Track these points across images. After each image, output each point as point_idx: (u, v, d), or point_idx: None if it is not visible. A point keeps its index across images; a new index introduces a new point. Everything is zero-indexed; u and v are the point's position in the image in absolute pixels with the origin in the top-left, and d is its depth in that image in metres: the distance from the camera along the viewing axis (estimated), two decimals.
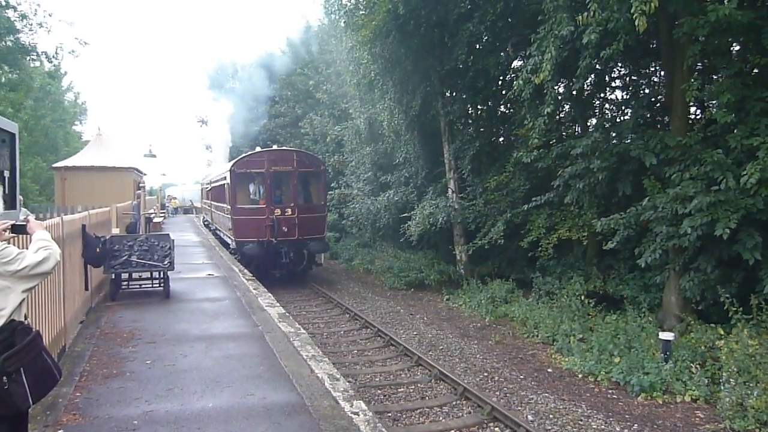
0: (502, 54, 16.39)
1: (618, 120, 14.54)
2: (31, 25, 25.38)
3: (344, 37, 20.63)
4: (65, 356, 6.93)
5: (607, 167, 11.78)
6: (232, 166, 18.80)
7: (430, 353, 11.07)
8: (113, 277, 10.84)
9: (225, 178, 19.72)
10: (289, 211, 17.76)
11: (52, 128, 39.70)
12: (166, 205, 46.80)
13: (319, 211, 19.01)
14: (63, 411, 5.17)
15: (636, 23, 8.61)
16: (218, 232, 24.05)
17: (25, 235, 3.81)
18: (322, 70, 32.70)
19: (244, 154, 20.48)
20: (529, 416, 7.98)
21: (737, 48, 11.11)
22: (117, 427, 4.85)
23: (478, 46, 16.80)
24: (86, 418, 5.03)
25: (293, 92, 36.08)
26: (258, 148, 21.13)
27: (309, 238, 17.86)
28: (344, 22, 18.95)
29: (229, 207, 18.73)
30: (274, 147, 21.52)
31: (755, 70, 10.46)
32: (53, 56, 27.80)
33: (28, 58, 27.31)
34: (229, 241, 19.43)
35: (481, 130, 18.71)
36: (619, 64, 14.73)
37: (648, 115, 13.46)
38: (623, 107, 14.96)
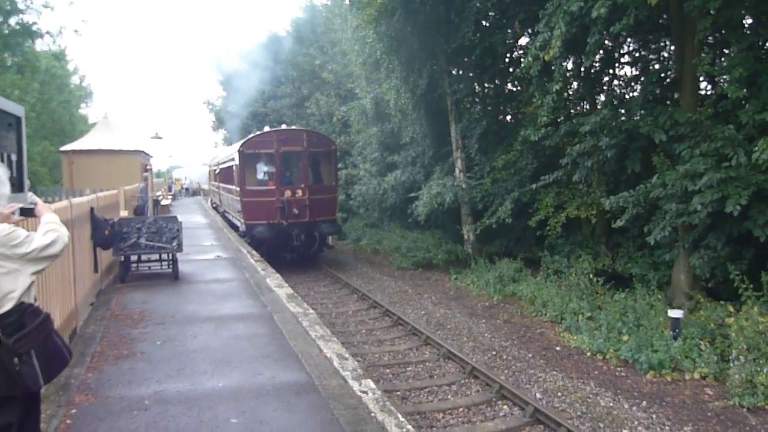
0: (509, 31, 16.18)
1: (627, 97, 14.37)
2: (32, 3, 25.28)
3: (349, 16, 20.41)
4: (76, 338, 7.00)
5: (616, 144, 11.67)
6: (241, 146, 18.42)
7: (438, 332, 11.12)
8: (122, 259, 10.90)
9: (233, 159, 19.35)
10: (300, 192, 17.43)
11: (58, 111, 39.73)
12: (173, 187, 46.77)
13: (330, 192, 18.65)
14: (76, 391, 5.23)
15: None
16: (227, 214, 23.79)
17: (33, 218, 3.80)
18: (327, 49, 32.47)
19: (252, 134, 19.85)
20: (537, 394, 8.02)
21: (749, 21, 10.90)
22: (129, 406, 4.90)
23: (484, 23, 16.59)
24: (98, 398, 5.09)
25: (299, 72, 35.90)
26: (267, 128, 20.60)
27: (320, 220, 17.56)
28: (348, 0, 18.75)
29: (238, 189, 18.39)
30: (284, 126, 21.18)
31: None
32: (57, 35, 27.75)
33: (31, 40, 27.22)
34: (239, 224, 19.13)
35: (488, 108, 18.55)
36: (629, 40, 14.51)
37: (657, 92, 13.29)
38: (632, 83, 14.78)
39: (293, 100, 36.29)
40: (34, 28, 26.24)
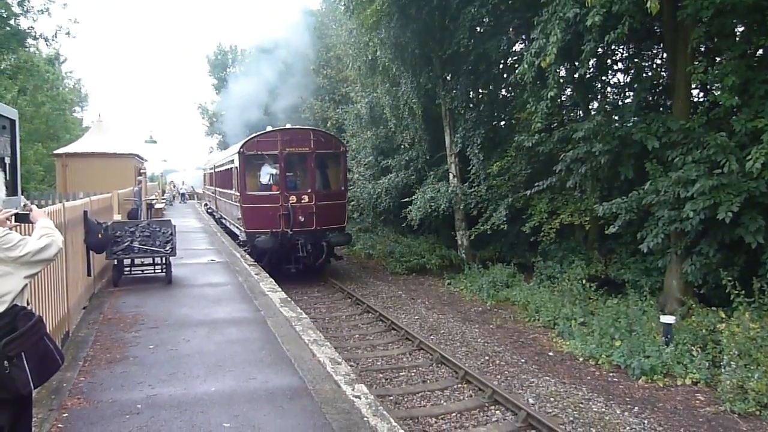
0: (503, 37, 16.27)
1: (620, 103, 14.45)
2: (26, 10, 25.12)
3: (344, 20, 20.43)
4: (69, 342, 6.97)
5: (609, 151, 11.72)
6: (241, 147, 16.75)
7: (432, 337, 11.12)
8: (116, 263, 10.87)
9: (233, 161, 17.99)
10: (306, 198, 15.94)
11: (52, 115, 39.42)
12: (167, 191, 46.38)
13: (339, 198, 17.08)
14: (68, 395, 5.21)
15: (648, 5, 8.54)
16: (224, 221, 22.43)
17: (28, 224, 3.81)
18: (322, 54, 32.53)
19: (254, 134, 18.07)
20: (530, 399, 8.03)
21: (741, 29, 11.00)
22: (121, 410, 4.88)
23: (479, 30, 16.67)
24: (90, 402, 5.07)
25: (294, 77, 35.95)
26: (269, 128, 18.90)
27: (328, 229, 16.15)
28: (344, 4, 18.79)
29: (238, 194, 16.78)
30: (288, 125, 19.15)
31: (760, 52, 10.37)
32: (52, 38, 27.55)
33: (26, 44, 27.06)
34: (238, 233, 17.75)
35: (483, 114, 18.61)
36: (622, 47, 14.61)
37: (650, 98, 13.39)
38: (625, 90, 14.86)
39: (288, 103, 36.31)
40: (30, 32, 26.06)
